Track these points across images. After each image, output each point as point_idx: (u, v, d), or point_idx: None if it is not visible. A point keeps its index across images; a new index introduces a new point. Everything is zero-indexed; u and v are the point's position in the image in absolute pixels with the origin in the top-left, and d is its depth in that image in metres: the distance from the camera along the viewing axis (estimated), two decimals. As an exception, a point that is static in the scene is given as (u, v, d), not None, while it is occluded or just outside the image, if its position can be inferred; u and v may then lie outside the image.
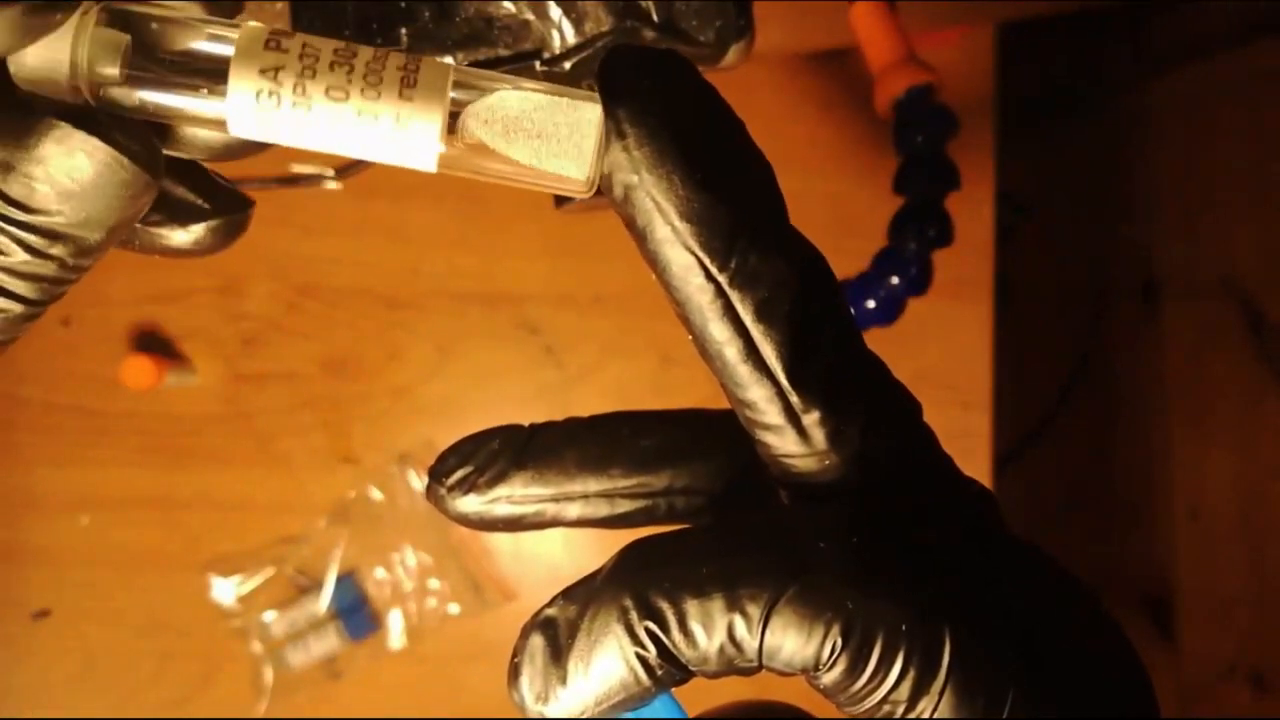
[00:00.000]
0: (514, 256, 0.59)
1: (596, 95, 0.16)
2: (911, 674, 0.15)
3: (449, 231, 0.59)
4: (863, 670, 0.15)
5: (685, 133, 0.16)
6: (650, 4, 0.28)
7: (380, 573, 0.57)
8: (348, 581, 0.57)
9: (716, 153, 0.16)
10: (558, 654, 0.16)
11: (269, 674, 0.56)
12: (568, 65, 0.28)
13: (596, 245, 0.59)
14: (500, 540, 0.58)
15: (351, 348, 0.58)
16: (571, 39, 0.28)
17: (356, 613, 0.57)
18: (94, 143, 0.16)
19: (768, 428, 0.17)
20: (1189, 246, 0.99)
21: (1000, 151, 0.59)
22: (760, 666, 0.16)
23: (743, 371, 0.16)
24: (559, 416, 0.21)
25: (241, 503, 0.57)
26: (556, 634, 0.16)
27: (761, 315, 0.16)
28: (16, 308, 0.18)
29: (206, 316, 0.58)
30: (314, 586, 0.57)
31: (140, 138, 0.17)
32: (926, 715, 0.15)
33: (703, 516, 0.21)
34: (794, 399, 0.16)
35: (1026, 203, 0.96)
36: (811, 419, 0.16)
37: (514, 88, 0.17)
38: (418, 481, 0.58)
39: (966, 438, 0.58)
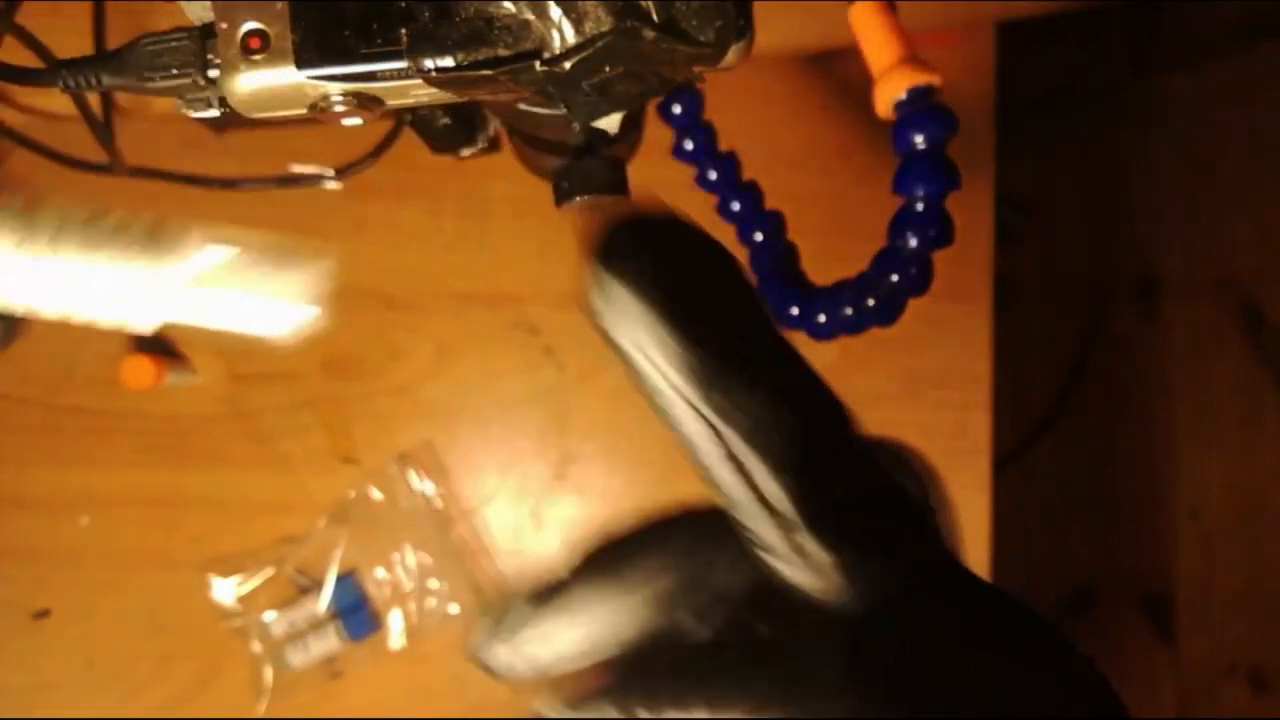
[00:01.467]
0: (514, 257, 0.59)
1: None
2: None
3: (449, 231, 0.59)
4: None
5: (672, 276, 0.16)
6: (650, 4, 0.28)
7: (380, 573, 0.57)
8: (348, 582, 0.57)
9: (705, 294, 0.17)
10: None
11: (269, 674, 0.56)
12: (567, 65, 0.28)
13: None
14: (500, 541, 0.58)
15: (351, 348, 0.58)
16: (571, 39, 0.28)
17: (356, 613, 0.57)
18: None
19: (776, 559, 0.17)
20: (1189, 246, 0.99)
21: (1000, 152, 0.59)
22: None
23: (748, 509, 0.16)
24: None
25: (241, 503, 0.57)
26: None
27: (764, 456, 0.16)
28: None
29: (206, 316, 0.58)
30: (314, 587, 0.57)
31: None
32: None
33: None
34: (801, 536, 0.16)
35: (1026, 203, 0.96)
36: (820, 555, 0.16)
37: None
38: (418, 482, 0.58)
39: (966, 438, 0.58)
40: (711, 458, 0.17)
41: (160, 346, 0.57)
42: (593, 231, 0.17)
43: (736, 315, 0.17)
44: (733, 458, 0.16)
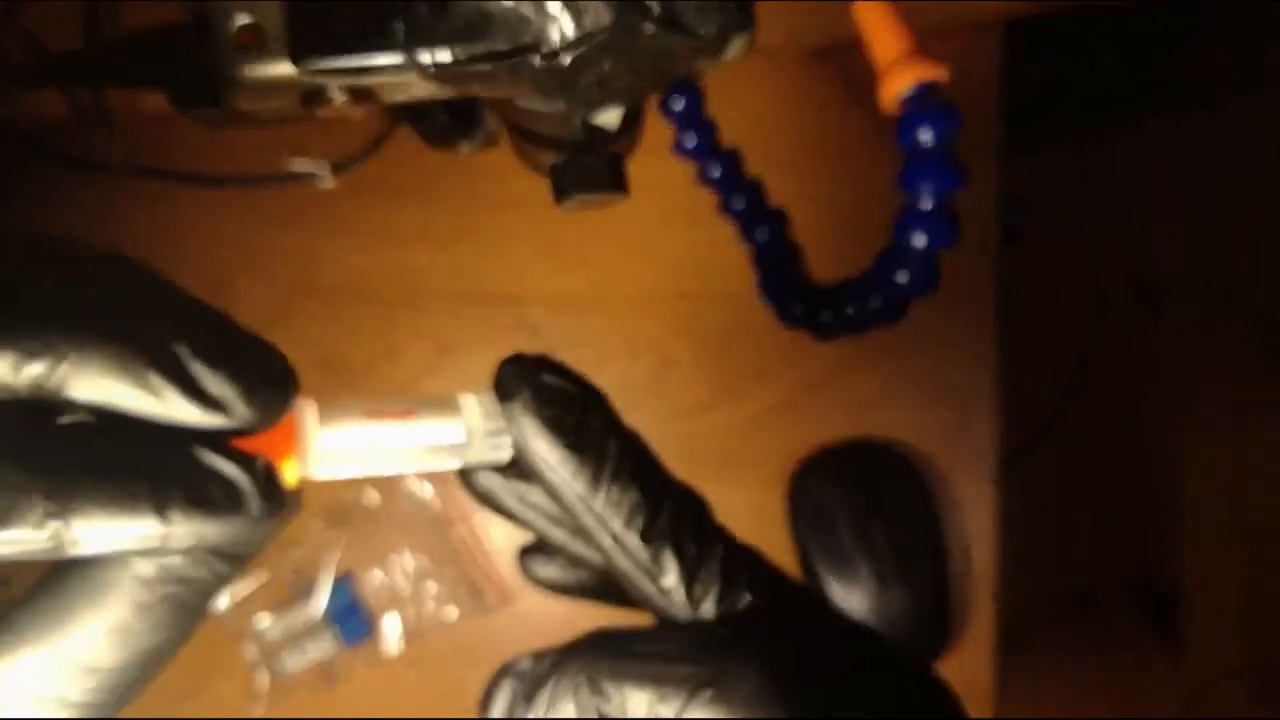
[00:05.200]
0: (513, 256, 0.58)
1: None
2: None
3: (447, 230, 0.58)
4: None
5: (556, 417, 0.24)
6: (651, -3, 0.27)
7: (377, 576, 0.57)
8: (344, 584, 0.56)
9: (580, 425, 0.24)
10: (523, 702, 0.22)
11: (264, 678, 0.56)
12: (566, 59, 0.27)
13: (596, 245, 0.58)
14: (498, 543, 0.58)
15: (349, 347, 0.58)
16: (570, 33, 0.27)
17: (353, 616, 0.56)
18: None
19: (648, 599, 0.24)
20: (1189, 246, 0.99)
21: (1002, 152, 0.58)
22: None
23: (621, 563, 0.23)
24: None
25: (237, 505, 0.57)
26: (525, 686, 0.22)
27: (627, 526, 0.23)
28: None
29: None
30: (310, 590, 0.56)
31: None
32: None
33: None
34: (660, 577, 0.23)
35: (1028, 203, 0.96)
36: (675, 587, 0.23)
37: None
38: (415, 484, 0.57)
39: (966, 438, 0.57)
40: (598, 534, 0.23)
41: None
42: (497, 385, 0.25)
43: (608, 436, 0.24)
44: (611, 534, 0.23)
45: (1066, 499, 1.09)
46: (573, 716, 0.21)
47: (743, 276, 0.53)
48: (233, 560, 0.21)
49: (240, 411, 0.19)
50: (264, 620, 0.56)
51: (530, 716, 0.22)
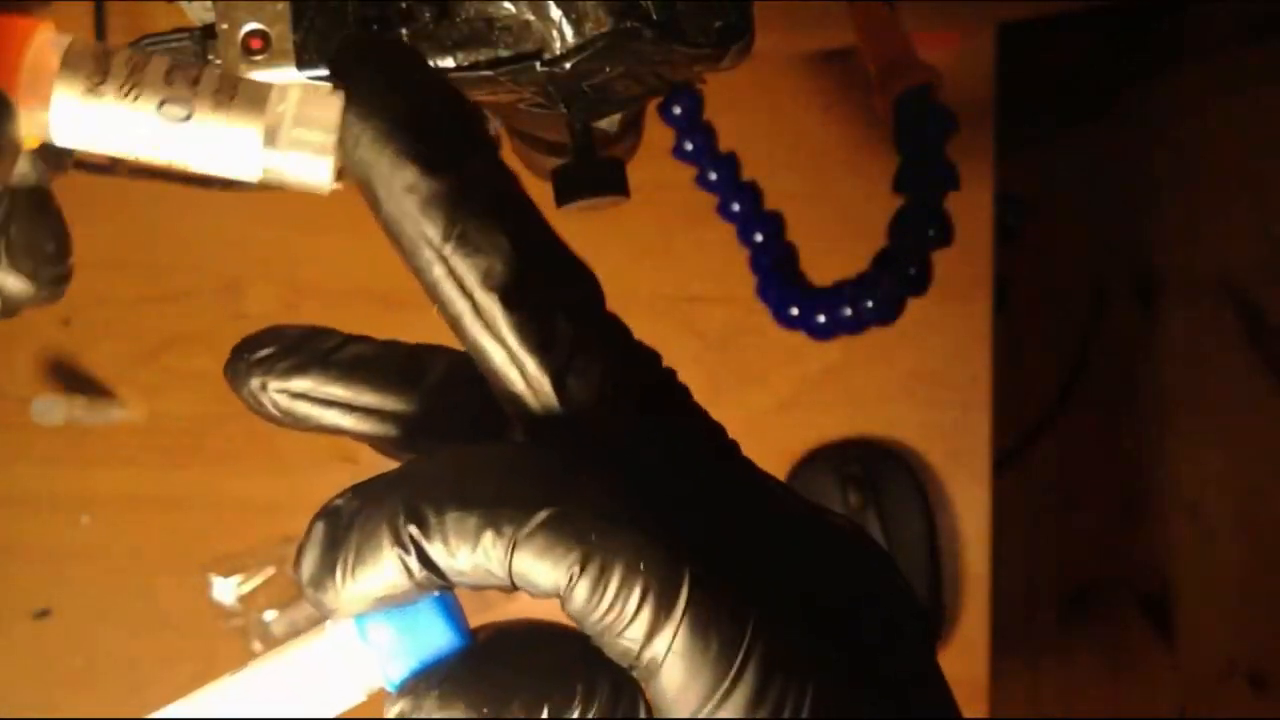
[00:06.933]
0: (514, 256, 0.59)
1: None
2: (647, 611, 0.16)
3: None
4: (598, 604, 0.16)
5: (408, 115, 0.17)
6: (650, 4, 0.28)
7: (380, 573, 0.57)
8: (348, 581, 0.57)
9: (440, 135, 0.17)
10: (334, 543, 0.17)
11: (269, 674, 0.56)
12: (568, 65, 0.28)
13: (597, 247, 0.59)
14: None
15: (351, 348, 0.58)
16: (571, 39, 0.28)
17: (356, 612, 0.57)
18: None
19: (506, 386, 0.18)
20: (1189, 246, 0.99)
21: (1000, 152, 0.59)
22: (514, 586, 0.16)
23: (474, 334, 0.18)
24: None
25: (241, 503, 0.57)
26: (337, 524, 0.17)
27: (485, 285, 0.17)
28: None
29: (207, 316, 0.58)
30: (314, 586, 0.57)
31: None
32: (661, 654, 0.16)
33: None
34: (524, 360, 0.17)
35: (1026, 203, 0.96)
36: (540, 377, 0.17)
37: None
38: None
39: (966, 438, 0.58)
40: (440, 282, 0.18)
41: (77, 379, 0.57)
42: (333, 64, 0.18)
43: (477, 155, 0.18)
44: (457, 282, 0.17)
45: (1064, 498, 1.09)
46: (385, 555, 0.16)
47: (742, 278, 0.53)
48: None
49: None
50: (269, 616, 0.56)
51: (338, 559, 0.16)
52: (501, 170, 0.18)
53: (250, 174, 0.18)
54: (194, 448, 0.57)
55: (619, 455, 0.18)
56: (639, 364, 0.19)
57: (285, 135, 0.18)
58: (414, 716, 0.17)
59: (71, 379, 0.57)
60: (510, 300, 0.17)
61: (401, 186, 0.17)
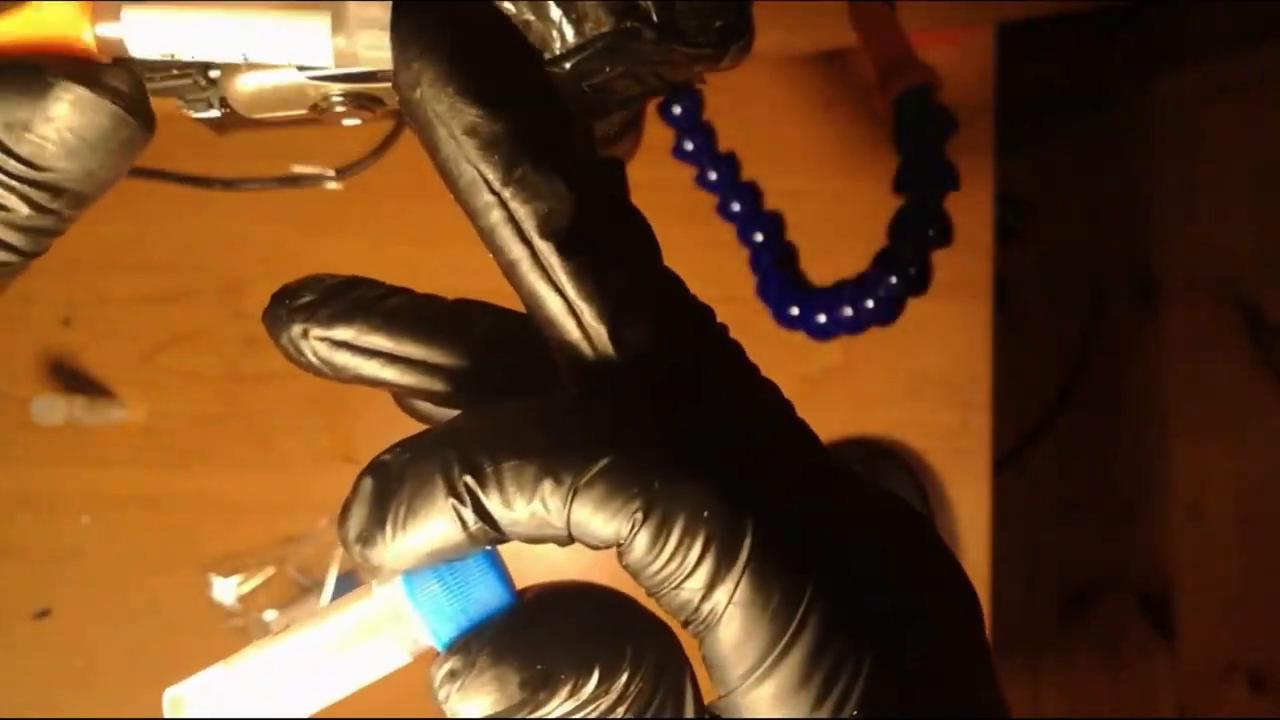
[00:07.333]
0: (514, 256, 0.59)
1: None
2: (709, 562, 0.15)
3: (449, 231, 0.59)
4: (660, 553, 0.15)
5: (468, 53, 0.16)
6: (650, 4, 0.28)
7: (380, 572, 0.57)
8: (348, 581, 0.57)
9: (501, 76, 0.17)
10: (384, 496, 0.16)
11: (269, 674, 0.56)
12: (568, 65, 0.28)
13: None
14: (500, 540, 0.58)
15: (351, 348, 0.58)
16: (571, 39, 0.28)
17: (356, 612, 0.57)
18: (101, 102, 0.18)
19: (561, 335, 0.17)
20: (1189, 246, 0.99)
21: (1000, 152, 0.59)
22: (570, 537, 0.16)
23: (531, 281, 0.17)
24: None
25: (241, 503, 0.57)
26: (387, 478, 0.16)
27: (543, 230, 0.17)
28: (14, 259, 0.19)
29: (207, 316, 0.58)
30: (315, 586, 0.57)
31: (138, 95, 0.18)
32: (721, 605, 0.15)
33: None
34: (581, 307, 0.17)
35: (1026, 203, 0.96)
36: (597, 325, 0.17)
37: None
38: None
39: (966, 437, 0.58)
40: (497, 226, 0.17)
41: (77, 379, 0.57)
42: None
43: (537, 98, 0.17)
44: (515, 228, 0.17)
45: (1066, 498, 1.10)
46: (439, 507, 0.15)
47: (742, 278, 0.53)
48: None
49: None
50: (269, 616, 0.56)
51: (388, 512, 0.16)
52: (561, 112, 0.18)
53: (322, 59, 0.18)
54: (194, 448, 0.57)
55: (675, 406, 0.17)
56: (694, 316, 0.19)
57: (353, 16, 0.18)
58: (467, 673, 0.17)
59: (71, 379, 0.57)
60: (568, 247, 0.17)
61: (461, 128, 0.16)
